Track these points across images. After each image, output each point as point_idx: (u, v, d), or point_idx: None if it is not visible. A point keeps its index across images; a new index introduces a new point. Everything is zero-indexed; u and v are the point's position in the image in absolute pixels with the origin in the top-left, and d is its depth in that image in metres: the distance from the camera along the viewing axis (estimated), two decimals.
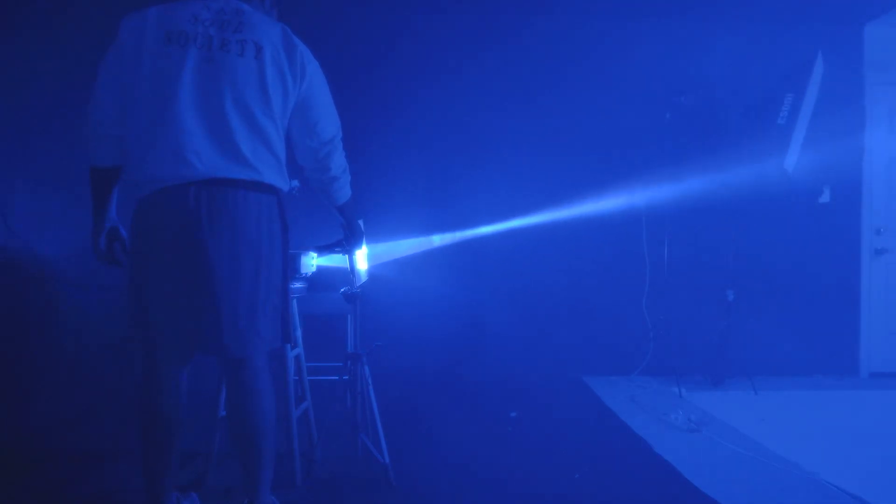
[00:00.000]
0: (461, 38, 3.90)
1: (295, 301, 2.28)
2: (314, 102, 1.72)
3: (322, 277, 2.53)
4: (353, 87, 3.55)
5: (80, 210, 1.84)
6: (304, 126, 1.74)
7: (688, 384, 3.56)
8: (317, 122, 1.75)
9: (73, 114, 1.80)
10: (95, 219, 1.71)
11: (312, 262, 2.40)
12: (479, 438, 2.72)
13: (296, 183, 1.95)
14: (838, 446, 2.69)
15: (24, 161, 2.56)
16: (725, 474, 2.29)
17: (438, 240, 3.92)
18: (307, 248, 2.34)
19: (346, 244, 2.11)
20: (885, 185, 4.11)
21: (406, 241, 3.84)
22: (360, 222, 2.11)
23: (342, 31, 3.76)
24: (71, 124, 1.91)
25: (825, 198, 4.02)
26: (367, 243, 2.27)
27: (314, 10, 3.52)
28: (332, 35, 3.64)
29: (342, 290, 2.25)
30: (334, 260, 2.40)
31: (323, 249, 2.20)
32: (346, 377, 2.27)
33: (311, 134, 1.75)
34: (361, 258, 2.29)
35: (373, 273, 2.62)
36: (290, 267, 2.06)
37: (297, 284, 2.26)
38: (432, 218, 3.89)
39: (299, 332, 2.38)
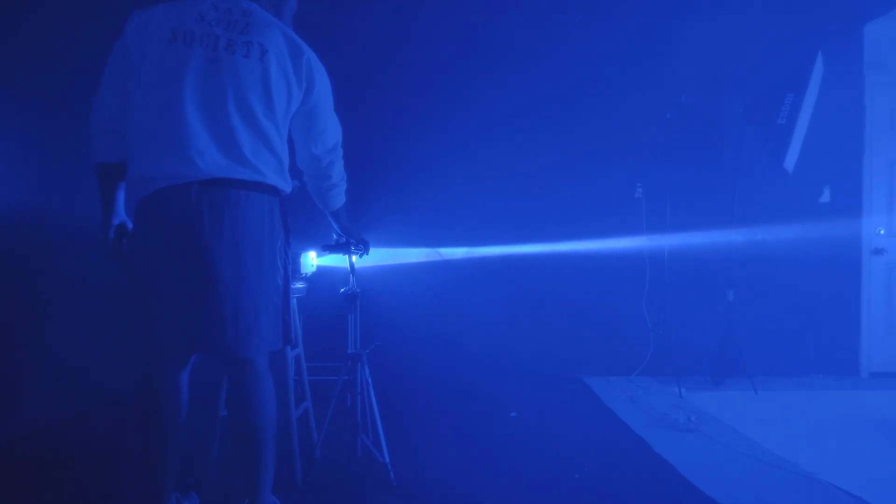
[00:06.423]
0: (456, 38, 3.90)
1: (295, 301, 2.28)
2: (321, 111, 1.74)
3: (322, 277, 2.53)
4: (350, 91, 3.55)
5: (81, 207, 1.83)
6: (310, 134, 1.76)
7: (688, 384, 3.56)
8: (323, 131, 1.77)
9: (79, 110, 1.79)
10: (103, 214, 1.70)
11: (312, 262, 2.41)
12: (479, 438, 2.72)
13: (297, 183, 1.95)
14: (838, 446, 2.69)
15: (24, 156, 2.56)
16: (725, 474, 2.29)
17: (439, 242, 3.92)
18: (308, 248, 2.34)
19: (349, 247, 2.13)
20: (885, 185, 4.11)
21: (407, 241, 3.84)
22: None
23: (340, 32, 3.76)
24: (76, 120, 1.90)
25: (825, 197, 4.03)
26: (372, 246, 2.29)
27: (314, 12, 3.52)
28: (331, 37, 3.64)
29: (342, 290, 2.26)
30: (334, 260, 2.41)
31: (326, 249, 2.21)
32: (346, 377, 2.27)
33: (317, 142, 1.77)
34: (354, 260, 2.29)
35: (372, 273, 2.62)
36: (291, 267, 2.06)
37: (298, 284, 2.26)
38: (432, 219, 3.89)
39: (299, 332, 2.38)
